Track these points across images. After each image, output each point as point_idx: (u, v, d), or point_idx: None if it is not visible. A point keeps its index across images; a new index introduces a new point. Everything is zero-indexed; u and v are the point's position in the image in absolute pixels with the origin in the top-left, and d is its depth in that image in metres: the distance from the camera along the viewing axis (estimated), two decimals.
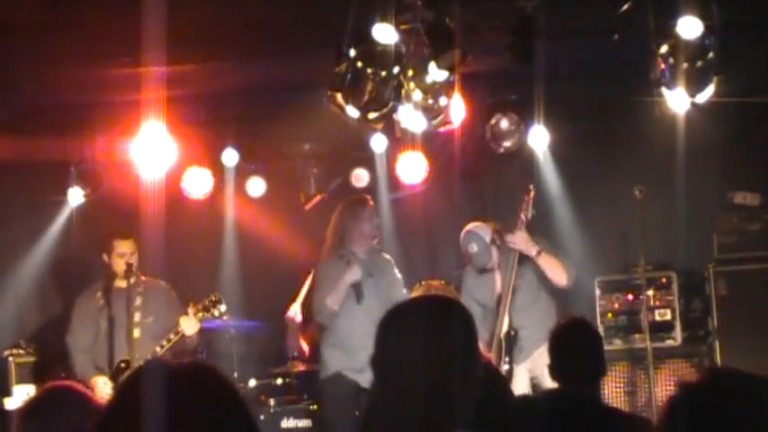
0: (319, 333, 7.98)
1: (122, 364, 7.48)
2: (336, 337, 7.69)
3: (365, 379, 7.31)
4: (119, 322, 7.62)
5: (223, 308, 7.79)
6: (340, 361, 7.63)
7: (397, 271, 7.92)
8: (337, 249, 7.81)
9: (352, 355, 7.53)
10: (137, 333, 7.60)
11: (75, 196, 8.94)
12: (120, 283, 7.75)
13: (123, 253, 7.74)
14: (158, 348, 7.49)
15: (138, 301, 7.68)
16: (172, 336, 7.57)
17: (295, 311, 8.78)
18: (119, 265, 7.73)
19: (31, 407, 3.49)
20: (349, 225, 7.83)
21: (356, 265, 7.65)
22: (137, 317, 7.64)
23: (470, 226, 7.95)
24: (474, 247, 7.84)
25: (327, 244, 7.91)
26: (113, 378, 7.50)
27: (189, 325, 7.61)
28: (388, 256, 8.02)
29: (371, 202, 8.02)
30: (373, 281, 7.74)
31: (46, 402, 3.49)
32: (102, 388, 7.46)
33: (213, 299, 7.77)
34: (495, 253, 7.86)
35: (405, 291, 7.82)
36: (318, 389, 7.91)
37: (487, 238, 7.84)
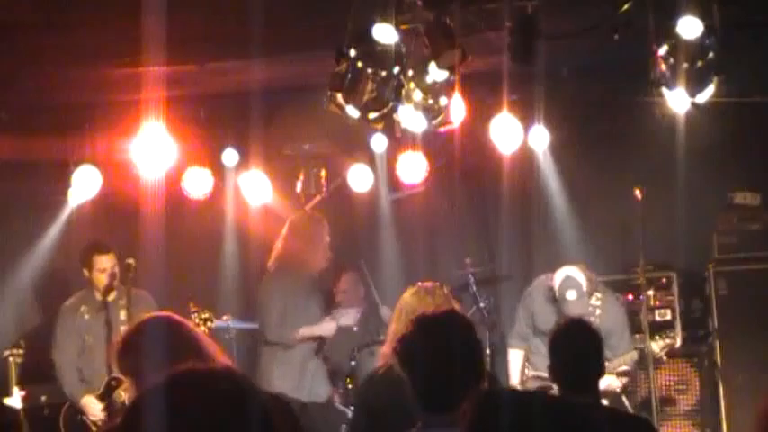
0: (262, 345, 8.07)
1: (113, 382, 7.46)
2: (288, 358, 7.87)
3: (305, 393, 7.74)
4: (104, 338, 7.61)
5: (213, 324, 7.85)
6: (284, 381, 7.76)
7: None
8: (296, 267, 7.96)
9: (297, 373, 7.81)
10: None
11: (75, 196, 8.94)
12: (104, 297, 7.74)
13: (104, 268, 7.74)
14: None
15: (123, 315, 7.68)
16: None
17: None
18: (100, 280, 7.74)
19: (127, 338, 3.62)
20: (311, 244, 8.02)
21: (333, 322, 7.92)
22: (122, 331, 7.64)
23: (569, 270, 7.86)
24: (573, 294, 7.70)
25: (289, 259, 8.02)
26: (102, 397, 7.49)
27: None
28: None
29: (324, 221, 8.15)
30: (336, 316, 7.97)
31: (141, 333, 3.58)
32: (94, 408, 7.47)
33: (204, 316, 7.80)
34: (587, 303, 7.82)
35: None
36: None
37: (585, 288, 7.77)
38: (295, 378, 7.83)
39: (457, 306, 5.58)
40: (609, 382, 7.55)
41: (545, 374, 7.84)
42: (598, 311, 7.79)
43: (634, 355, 7.79)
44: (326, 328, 7.90)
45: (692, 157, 8.04)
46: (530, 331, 8.10)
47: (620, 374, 7.79)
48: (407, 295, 5.49)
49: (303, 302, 7.98)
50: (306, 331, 7.87)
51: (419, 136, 8.07)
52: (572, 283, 7.75)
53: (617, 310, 8.00)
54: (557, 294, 7.84)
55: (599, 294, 7.89)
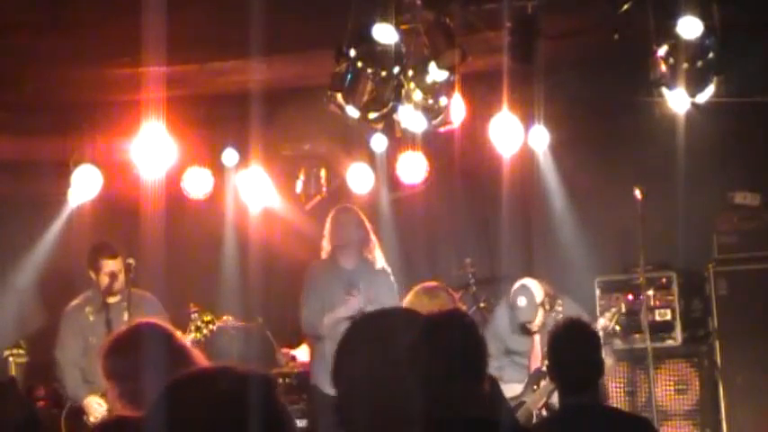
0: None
1: None
2: (320, 350, 7.84)
3: None
4: (107, 338, 7.60)
5: (214, 327, 7.86)
6: (320, 374, 7.77)
7: (392, 283, 7.97)
8: (328, 257, 8.01)
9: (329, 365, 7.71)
10: None
11: (75, 196, 8.93)
12: (107, 299, 7.74)
13: (111, 272, 7.73)
14: None
15: (126, 316, 7.68)
16: None
17: None
18: (105, 283, 7.73)
19: (116, 343, 3.64)
20: (328, 232, 8.03)
21: (354, 299, 7.71)
22: None
23: (525, 280, 8.05)
24: (523, 301, 7.89)
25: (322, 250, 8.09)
26: (106, 395, 7.50)
27: None
28: (384, 268, 8.08)
29: (348, 210, 8.10)
30: (358, 293, 7.86)
31: (130, 338, 3.58)
32: (97, 408, 7.47)
33: (206, 319, 7.80)
34: (540, 315, 7.90)
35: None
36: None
37: (538, 298, 7.89)
38: (328, 371, 7.82)
39: (462, 307, 5.61)
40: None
41: (519, 387, 7.90)
42: (560, 316, 7.87)
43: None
44: (349, 306, 7.64)
45: (692, 157, 8.03)
46: (499, 354, 8.13)
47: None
48: (410, 296, 5.52)
49: (328, 293, 7.98)
50: (330, 317, 7.70)
51: (419, 136, 8.07)
52: (524, 291, 7.97)
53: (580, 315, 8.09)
54: (511, 303, 7.99)
55: (560, 301, 8.01)
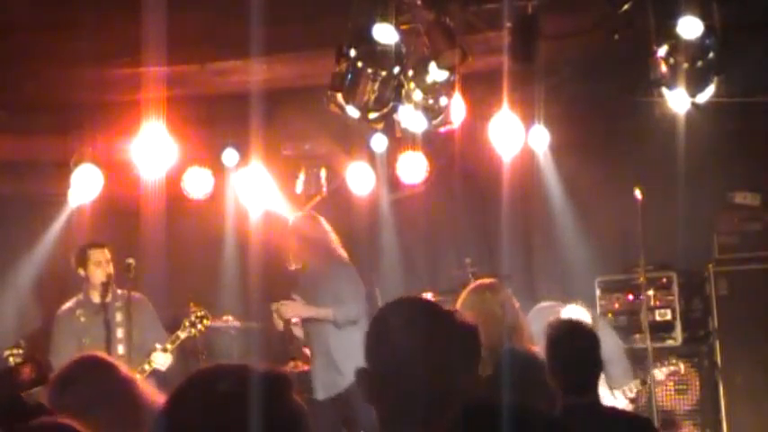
0: None
1: None
2: None
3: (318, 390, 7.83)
4: (103, 339, 7.60)
5: (209, 322, 7.85)
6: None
7: (352, 272, 8.03)
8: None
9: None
10: (121, 350, 7.60)
11: (76, 196, 8.93)
12: (99, 299, 7.72)
13: (99, 261, 7.70)
14: (146, 366, 7.50)
15: (119, 316, 7.67)
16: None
17: None
18: (96, 276, 7.69)
19: (62, 377, 3.56)
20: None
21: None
22: (119, 333, 7.64)
23: (575, 312, 7.65)
24: None
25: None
26: None
27: (162, 361, 7.63)
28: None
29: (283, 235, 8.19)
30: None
31: (76, 372, 3.55)
32: None
33: (199, 314, 7.79)
34: None
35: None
36: None
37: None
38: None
39: (517, 305, 5.64)
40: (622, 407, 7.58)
41: None
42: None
43: (638, 383, 7.82)
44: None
45: (692, 157, 8.03)
46: None
47: (631, 400, 7.81)
48: (468, 293, 5.54)
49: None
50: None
51: (419, 136, 8.07)
52: None
53: (614, 342, 8.02)
54: None
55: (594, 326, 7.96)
